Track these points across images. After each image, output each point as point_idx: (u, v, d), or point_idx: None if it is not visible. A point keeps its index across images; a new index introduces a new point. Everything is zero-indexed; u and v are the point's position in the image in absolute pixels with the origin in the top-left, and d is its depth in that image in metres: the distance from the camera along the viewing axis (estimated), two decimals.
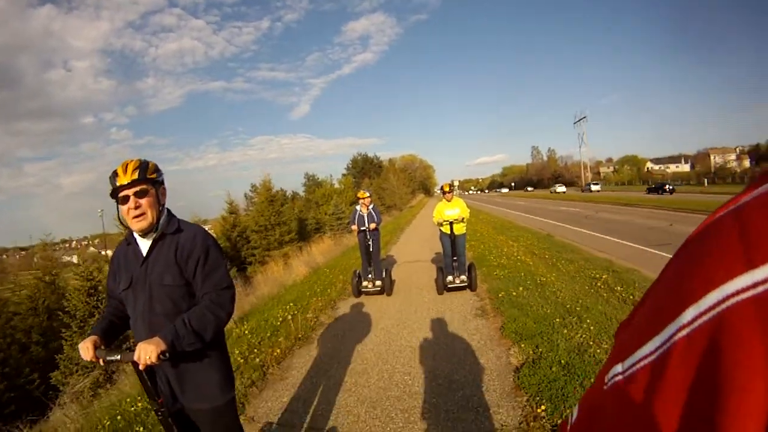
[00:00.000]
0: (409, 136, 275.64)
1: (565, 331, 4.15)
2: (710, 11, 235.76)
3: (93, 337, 1.63)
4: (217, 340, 1.74)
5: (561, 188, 68.12)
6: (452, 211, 6.17)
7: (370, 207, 6.63)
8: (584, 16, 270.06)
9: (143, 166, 1.65)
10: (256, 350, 4.72)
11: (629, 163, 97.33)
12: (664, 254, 8.33)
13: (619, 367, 0.27)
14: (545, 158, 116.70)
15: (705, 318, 0.22)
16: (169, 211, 1.77)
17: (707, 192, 33.45)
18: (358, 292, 6.59)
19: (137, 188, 1.63)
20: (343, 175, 37.56)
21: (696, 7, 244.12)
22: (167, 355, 1.50)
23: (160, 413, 1.64)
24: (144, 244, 1.72)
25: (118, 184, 1.62)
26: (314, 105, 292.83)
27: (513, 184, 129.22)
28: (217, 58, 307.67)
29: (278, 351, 4.54)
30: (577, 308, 4.86)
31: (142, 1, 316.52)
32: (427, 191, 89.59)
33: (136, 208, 1.63)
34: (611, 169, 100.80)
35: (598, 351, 3.64)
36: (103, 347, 1.64)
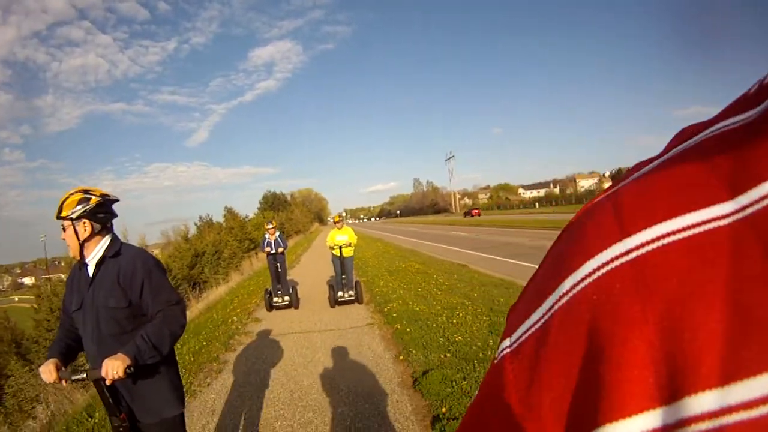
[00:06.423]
0: (303, 165, 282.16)
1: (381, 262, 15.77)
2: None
3: (54, 360, 1.69)
4: (169, 354, 1.80)
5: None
6: (342, 237, 7.11)
7: (276, 235, 7.48)
8: (477, 57, 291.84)
9: (62, 205, 1.73)
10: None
11: (503, 190, 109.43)
12: (430, 243, 20.89)
13: (507, 342, 0.28)
14: (425, 189, 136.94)
15: (583, 284, 0.23)
16: (114, 235, 1.86)
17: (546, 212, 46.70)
18: (270, 306, 7.26)
19: (60, 224, 1.76)
20: (259, 209, 48.82)
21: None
22: (132, 369, 1.57)
23: (120, 429, 1.69)
24: (91, 268, 1.79)
25: None
26: (213, 132, 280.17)
27: (399, 212, 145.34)
28: (119, 77, 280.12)
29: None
30: (387, 260, 16.61)
31: (52, 10, 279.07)
32: (321, 220, 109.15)
33: (64, 239, 1.77)
34: (488, 195, 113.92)
35: (376, 262, 15.32)
36: (64, 368, 1.71)
